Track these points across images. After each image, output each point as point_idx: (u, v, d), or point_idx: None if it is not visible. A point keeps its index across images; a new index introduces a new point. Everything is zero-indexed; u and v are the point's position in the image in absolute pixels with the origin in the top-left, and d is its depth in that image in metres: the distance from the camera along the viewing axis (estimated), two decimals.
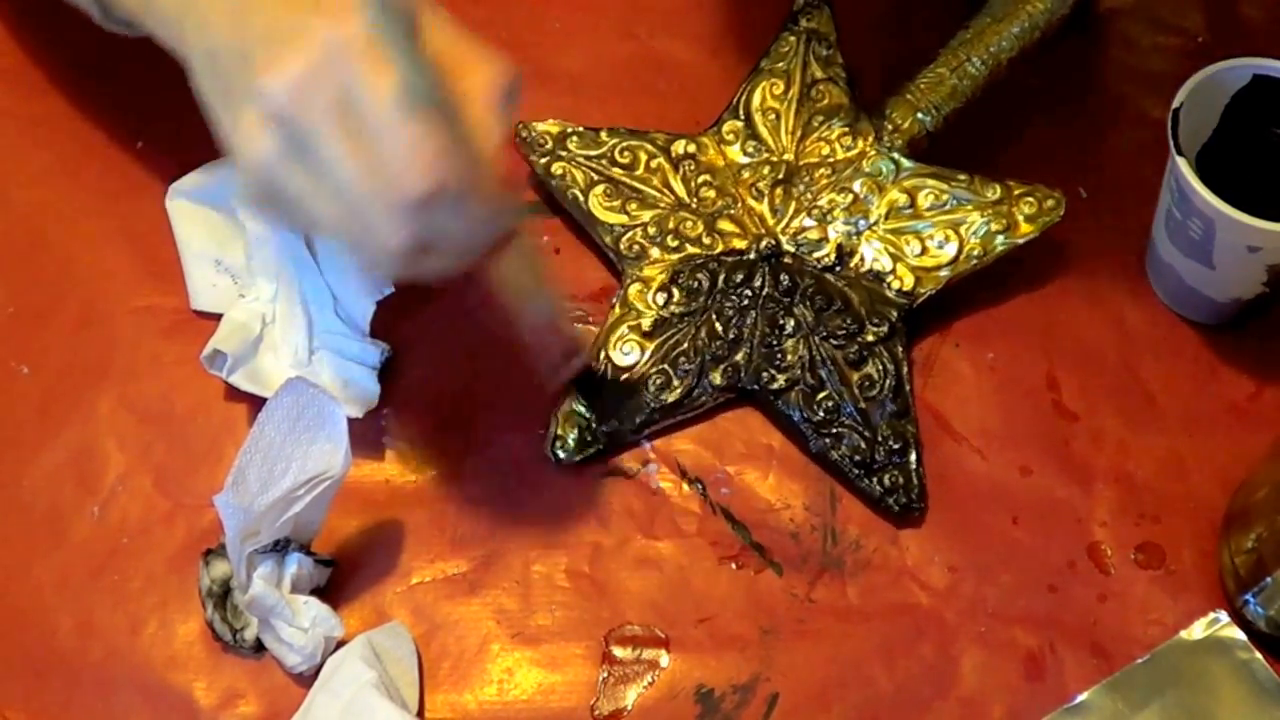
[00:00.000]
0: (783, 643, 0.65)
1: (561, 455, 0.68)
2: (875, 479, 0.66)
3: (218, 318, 0.70)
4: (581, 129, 0.73)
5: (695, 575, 0.66)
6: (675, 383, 0.68)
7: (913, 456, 0.66)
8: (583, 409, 0.68)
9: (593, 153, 0.73)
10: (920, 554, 0.67)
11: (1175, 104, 0.66)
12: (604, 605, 0.66)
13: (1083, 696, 0.63)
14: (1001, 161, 0.74)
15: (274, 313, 0.70)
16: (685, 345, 0.69)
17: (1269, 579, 0.62)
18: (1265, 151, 0.69)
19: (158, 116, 0.78)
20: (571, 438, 0.68)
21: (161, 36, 0.60)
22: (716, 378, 0.68)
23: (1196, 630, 0.64)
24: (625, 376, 0.69)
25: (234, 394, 0.69)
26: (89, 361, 0.71)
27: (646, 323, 0.69)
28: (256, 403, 0.65)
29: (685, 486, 0.68)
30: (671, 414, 0.68)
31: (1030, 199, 0.70)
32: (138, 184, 0.75)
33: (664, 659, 0.65)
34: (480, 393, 0.71)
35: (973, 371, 0.70)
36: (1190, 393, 0.70)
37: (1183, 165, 0.64)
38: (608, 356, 0.69)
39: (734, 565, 0.67)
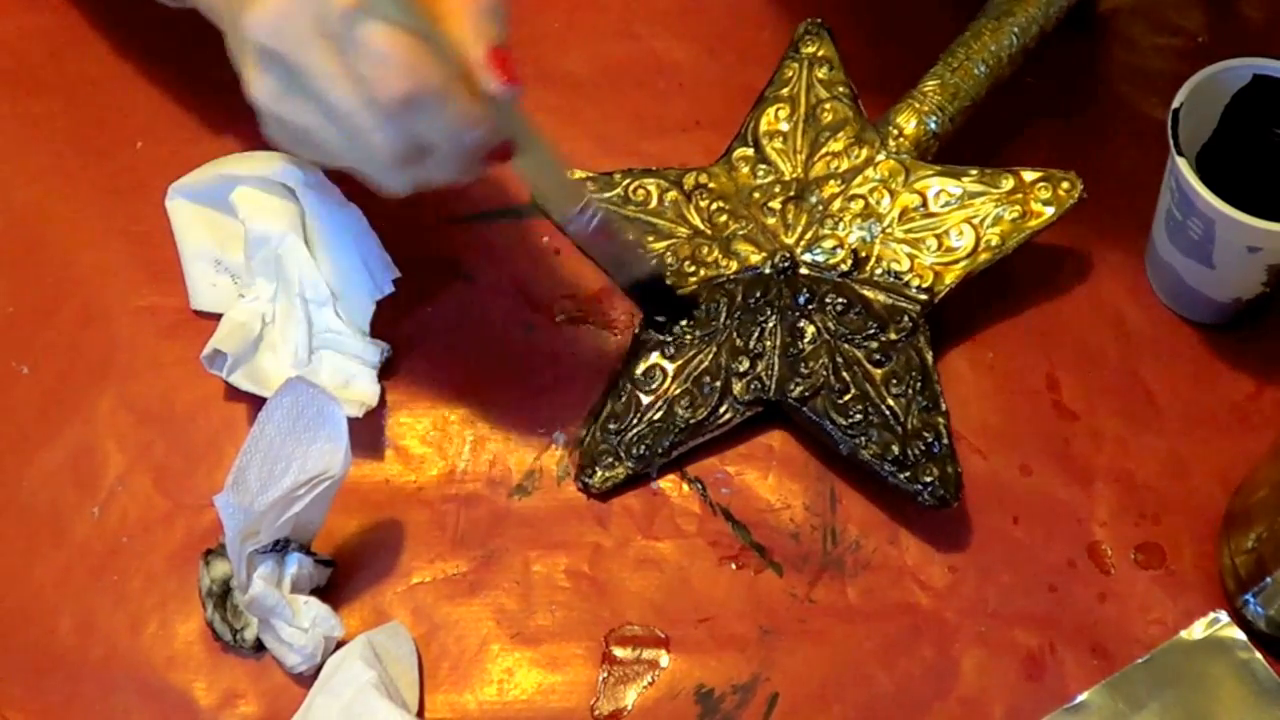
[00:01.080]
0: (783, 643, 0.65)
1: (591, 484, 0.68)
2: (909, 474, 0.65)
3: (218, 318, 0.70)
4: (595, 174, 0.74)
5: (695, 575, 0.66)
6: (700, 402, 0.68)
7: (945, 448, 0.66)
8: (611, 437, 0.68)
9: (607, 194, 0.73)
10: (920, 554, 0.67)
11: (1175, 104, 0.66)
12: (604, 605, 0.66)
13: (1083, 696, 0.63)
14: (1002, 162, 0.73)
15: (274, 313, 0.70)
16: (708, 364, 0.69)
17: (1269, 579, 0.62)
18: (1265, 151, 0.69)
19: (158, 116, 0.78)
20: (600, 466, 0.68)
21: (202, 7, 0.62)
22: (740, 392, 0.68)
23: (1196, 630, 0.64)
24: (650, 402, 0.68)
25: (234, 394, 0.69)
26: (89, 361, 0.71)
27: (669, 348, 0.69)
28: (256, 403, 0.65)
29: (685, 486, 0.68)
30: (698, 433, 0.68)
31: (1045, 184, 0.70)
32: (138, 184, 0.75)
33: (664, 659, 0.65)
34: (480, 393, 0.71)
35: (973, 371, 0.70)
36: (1190, 393, 0.70)
37: (1183, 165, 0.64)
38: (631, 383, 0.69)
39: (734, 565, 0.67)
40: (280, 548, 0.63)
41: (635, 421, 0.68)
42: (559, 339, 0.72)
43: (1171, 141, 0.65)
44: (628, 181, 0.73)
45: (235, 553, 0.62)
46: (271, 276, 0.70)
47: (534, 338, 0.72)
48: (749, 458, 0.69)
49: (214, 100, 0.78)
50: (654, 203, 0.73)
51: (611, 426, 0.68)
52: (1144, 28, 0.79)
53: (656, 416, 0.68)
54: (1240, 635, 0.63)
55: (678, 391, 0.69)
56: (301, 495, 0.62)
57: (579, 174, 0.74)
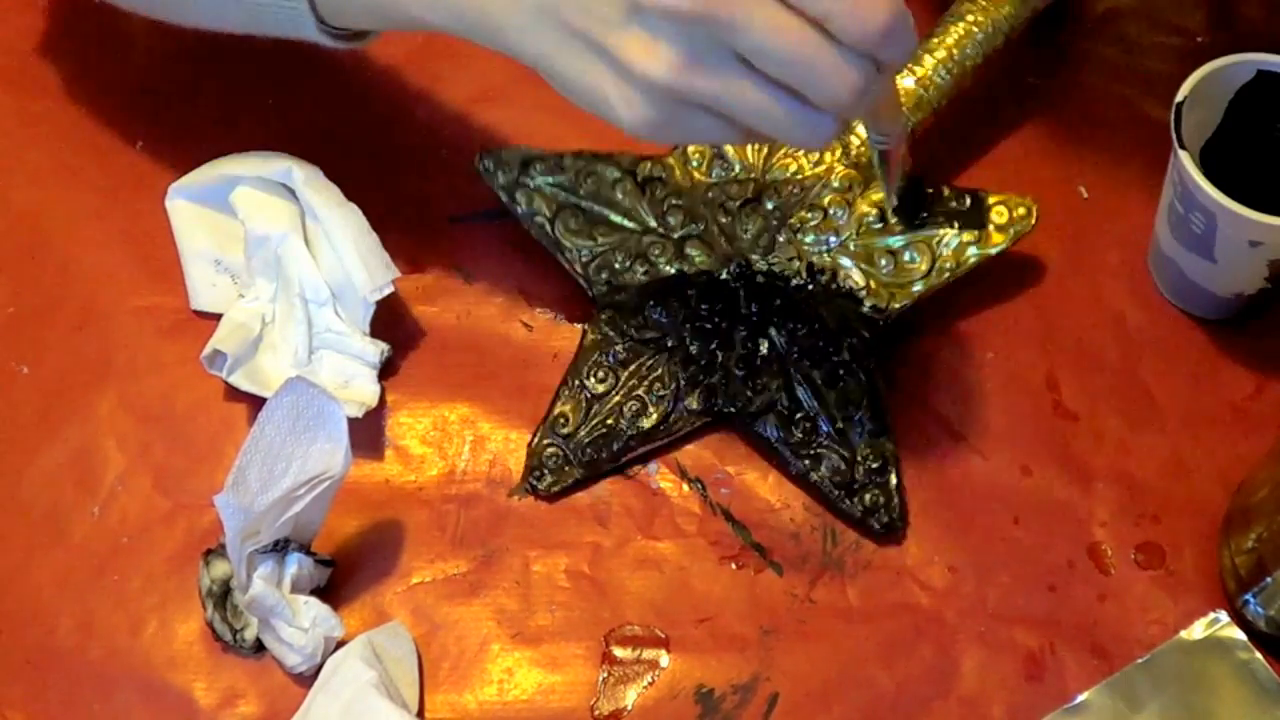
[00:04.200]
0: (783, 643, 0.65)
1: (539, 487, 0.68)
2: (856, 499, 0.65)
3: (218, 318, 0.70)
4: (544, 154, 0.72)
5: (695, 575, 0.66)
6: (651, 409, 0.68)
7: (893, 475, 0.66)
8: (560, 441, 0.68)
9: (556, 179, 0.72)
10: (920, 554, 0.67)
11: (1179, 98, 0.66)
12: (604, 605, 0.66)
13: (1083, 696, 0.63)
14: (1001, 161, 0.74)
15: (274, 313, 0.70)
16: (660, 371, 0.68)
17: (1269, 579, 0.62)
18: (1269, 147, 0.69)
19: (158, 117, 0.78)
20: (548, 469, 0.68)
21: (464, 26, 0.58)
22: (693, 402, 0.68)
23: (1196, 630, 0.64)
24: (599, 406, 0.68)
25: (234, 394, 0.69)
26: (89, 361, 0.71)
27: (620, 350, 0.69)
28: (256, 403, 0.65)
29: (685, 486, 0.68)
30: (648, 440, 0.68)
31: (1001, 208, 0.69)
32: (138, 184, 0.75)
33: (664, 659, 0.65)
34: (480, 393, 0.71)
35: (973, 371, 0.70)
36: (1190, 392, 0.70)
37: (1185, 159, 0.64)
38: (581, 385, 0.69)
39: (734, 565, 0.67)
40: (280, 548, 0.63)
41: (584, 425, 0.68)
42: (559, 339, 0.72)
43: (1174, 135, 0.65)
44: (579, 165, 0.72)
45: (235, 553, 0.62)
46: (271, 276, 0.70)
47: (534, 338, 0.72)
48: (749, 458, 0.69)
49: (214, 100, 0.78)
50: (605, 192, 0.71)
51: (561, 430, 0.68)
52: (1144, 28, 0.79)
53: (606, 421, 0.68)
54: (1240, 635, 0.63)
55: (628, 397, 0.68)
56: (301, 495, 0.62)
57: (519, 153, 0.72)
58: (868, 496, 0.65)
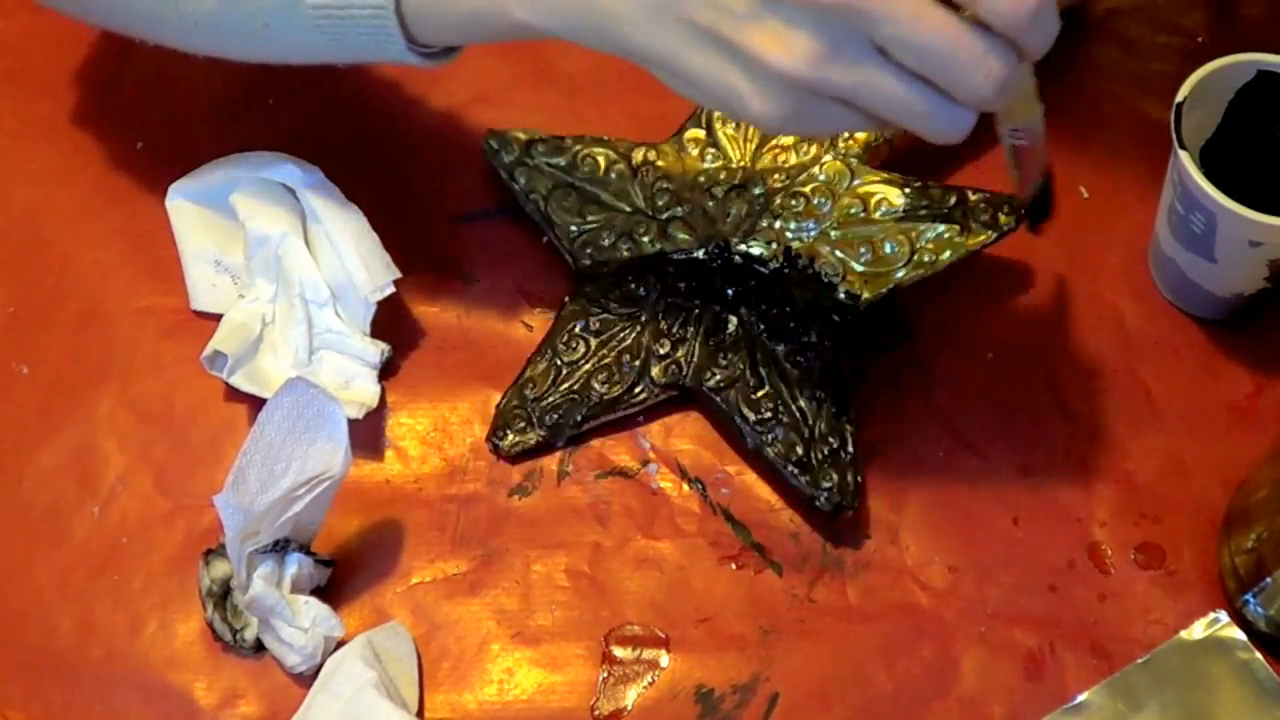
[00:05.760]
0: (783, 643, 0.65)
1: (500, 445, 0.68)
2: (809, 477, 0.66)
3: (218, 318, 0.70)
4: (547, 136, 0.73)
5: (695, 575, 0.66)
6: (617, 379, 0.68)
7: (849, 456, 0.66)
8: (528, 403, 0.68)
9: (556, 160, 0.73)
10: (920, 554, 0.67)
11: (1179, 98, 0.66)
12: (604, 605, 0.66)
13: (1083, 696, 0.63)
14: (1000, 162, 0.73)
15: (274, 313, 0.70)
16: (630, 342, 0.69)
17: (1269, 579, 0.62)
18: (1269, 147, 0.69)
19: (158, 117, 0.78)
20: (511, 430, 0.68)
21: (572, 26, 0.57)
22: (658, 375, 0.68)
23: (1196, 630, 0.64)
24: (569, 372, 0.69)
25: (234, 394, 0.69)
26: (89, 361, 0.71)
27: (595, 321, 0.70)
28: (256, 403, 0.66)
29: (685, 486, 0.68)
30: (613, 409, 0.68)
31: (984, 206, 0.69)
32: (138, 184, 0.75)
33: (664, 659, 0.65)
34: (480, 393, 0.71)
35: (973, 371, 0.70)
36: (1190, 393, 0.70)
37: (1185, 158, 0.64)
38: (554, 352, 0.69)
39: (734, 565, 0.67)
40: (280, 548, 0.63)
41: (551, 390, 0.68)
42: None
43: (1174, 135, 0.65)
44: (578, 149, 0.73)
45: (235, 553, 0.62)
46: (271, 277, 0.70)
47: (534, 338, 0.72)
48: (749, 457, 0.69)
49: (215, 100, 0.78)
50: (601, 173, 0.72)
51: (528, 392, 0.69)
52: (1144, 28, 0.79)
53: (574, 388, 0.68)
54: (1240, 635, 0.63)
55: (597, 366, 0.69)
56: (301, 495, 0.62)
57: (525, 134, 0.73)
58: (821, 476, 0.65)
